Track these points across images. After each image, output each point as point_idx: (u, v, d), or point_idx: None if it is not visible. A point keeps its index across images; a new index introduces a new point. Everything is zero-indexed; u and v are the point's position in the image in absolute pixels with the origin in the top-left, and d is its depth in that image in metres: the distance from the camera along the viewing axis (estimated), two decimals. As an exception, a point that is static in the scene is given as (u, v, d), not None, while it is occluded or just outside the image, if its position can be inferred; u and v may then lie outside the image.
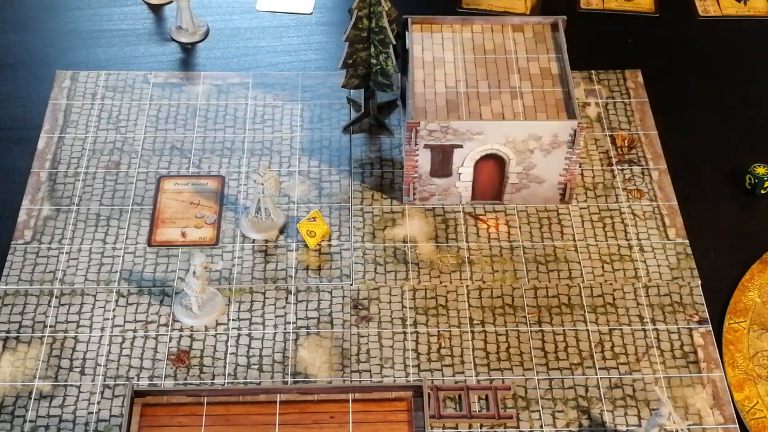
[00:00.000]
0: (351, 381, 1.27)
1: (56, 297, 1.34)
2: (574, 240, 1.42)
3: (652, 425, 1.18)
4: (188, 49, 1.68)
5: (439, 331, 1.32)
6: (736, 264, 1.40)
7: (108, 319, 1.32)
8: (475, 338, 1.32)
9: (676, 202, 1.46)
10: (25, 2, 1.76)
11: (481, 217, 1.44)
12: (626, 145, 1.53)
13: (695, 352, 1.31)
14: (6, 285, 1.36)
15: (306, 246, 1.40)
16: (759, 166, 1.48)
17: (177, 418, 1.14)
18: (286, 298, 1.35)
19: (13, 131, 1.55)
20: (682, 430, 1.17)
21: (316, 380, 1.27)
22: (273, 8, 1.75)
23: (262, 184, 1.37)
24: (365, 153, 1.52)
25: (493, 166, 1.41)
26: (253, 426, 1.13)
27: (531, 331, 1.32)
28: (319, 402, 1.15)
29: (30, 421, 1.23)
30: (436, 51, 1.46)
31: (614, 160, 1.51)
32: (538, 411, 1.25)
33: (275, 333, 1.32)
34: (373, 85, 1.50)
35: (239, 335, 1.31)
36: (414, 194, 1.44)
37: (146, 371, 1.28)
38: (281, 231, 1.42)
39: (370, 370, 1.28)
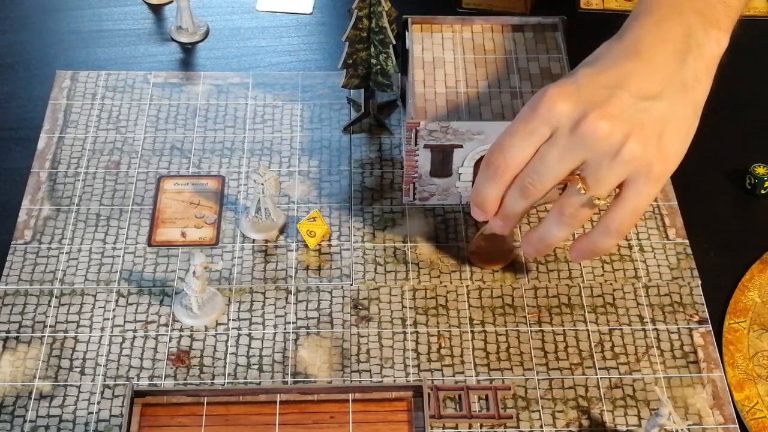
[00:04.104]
0: (351, 381, 1.27)
1: (56, 297, 1.34)
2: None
3: (652, 425, 1.18)
4: (188, 49, 1.68)
5: (439, 331, 1.32)
6: (736, 264, 1.40)
7: (108, 319, 1.32)
8: (475, 338, 1.32)
9: (676, 202, 1.47)
10: (25, 2, 1.76)
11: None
12: (626, 145, 1.53)
13: (695, 352, 1.31)
14: (6, 285, 1.36)
15: (306, 246, 1.40)
16: (759, 166, 1.48)
17: (177, 418, 1.14)
18: (286, 298, 1.35)
19: (13, 131, 1.55)
20: (682, 430, 1.17)
21: (316, 380, 1.27)
22: (273, 8, 1.75)
23: (262, 184, 1.37)
24: (365, 153, 1.52)
25: (493, 166, 1.41)
26: (253, 426, 1.13)
27: (531, 331, 1.32)
28: (319, 402, 1.15)
29: (30, 421, 1.23)
30: (436, 51, 1.46)
31: (614, 160, 1.51)
32: (538, 411, 1.25)
33: (275, 333, 1.32)
34: (373, 85, 1.50)
35: (239, 335, 1.31)
36: (414, 194, 1.44)
37: (146, 371, 1.28)
38: (281, 231, 1.42)
39: (370, 370, 1.28)
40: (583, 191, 1.20)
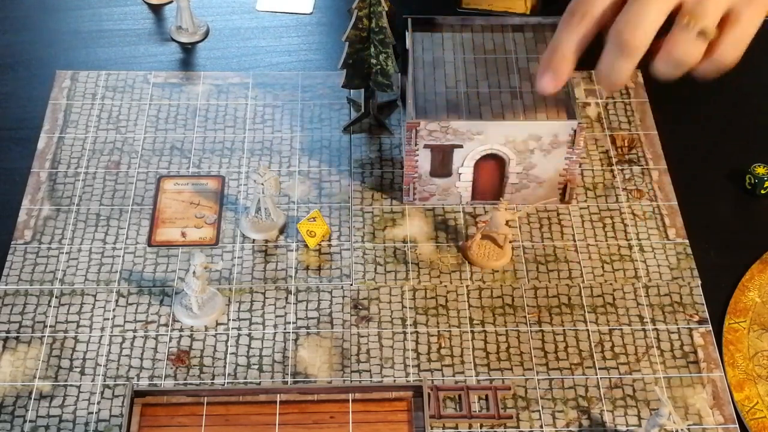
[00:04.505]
0: (351, 381, 1.27)
1: (56, 297, 1.34)
2: (574, 240, 1.42)
3: (652, 425, 1.18)
4: (188, 49, 1.68)
5: (439, 331, 1.32)
6: (736, 264, 1.40)
7: (108, 319, 1.32)
8: (475, 338, 1.32)
9: (676, 202, 1.47)
10: (25, 2, 1.76)
11: (481, 217, 1.44)
12: (626, 145, 1.53)
13: (695, 352, 1.31)
14: (6, 285, 1.36)
15: (306, 246, 1.40)
16: (759, 166, 1.48)
17: (177, 418, 1.14)
18: (286, 298, 1.35)
19: (13, 131, 1.55)
20: (682, 430, 1.17)
21: (316, 380, 1.27)
22: (273, 8, 1.75)
23: (262, 184, 1.37)
24: (365, 153, 1.52)
25: (493, 166, 1.41)
26: (253, 426, 1.13)
27: (531, 331, 1.32)
28: (319, 402, 1.15)
29: (30, 421, 1.23)
30: (436, 51, 1.46)
31: (614, 160, 1.51)
32: (538, 411, 1.25)
33: (275, 333, 1.32)
34: (373, 85, 1.50)
35: (239, 335, 1.31)
36: (414, 194, 1.44)
37: (146, 371, 1.28)
38: (281, 231, 1.42)
39: (370, 370, 1.28)
40: (690, 26, 1.13)
